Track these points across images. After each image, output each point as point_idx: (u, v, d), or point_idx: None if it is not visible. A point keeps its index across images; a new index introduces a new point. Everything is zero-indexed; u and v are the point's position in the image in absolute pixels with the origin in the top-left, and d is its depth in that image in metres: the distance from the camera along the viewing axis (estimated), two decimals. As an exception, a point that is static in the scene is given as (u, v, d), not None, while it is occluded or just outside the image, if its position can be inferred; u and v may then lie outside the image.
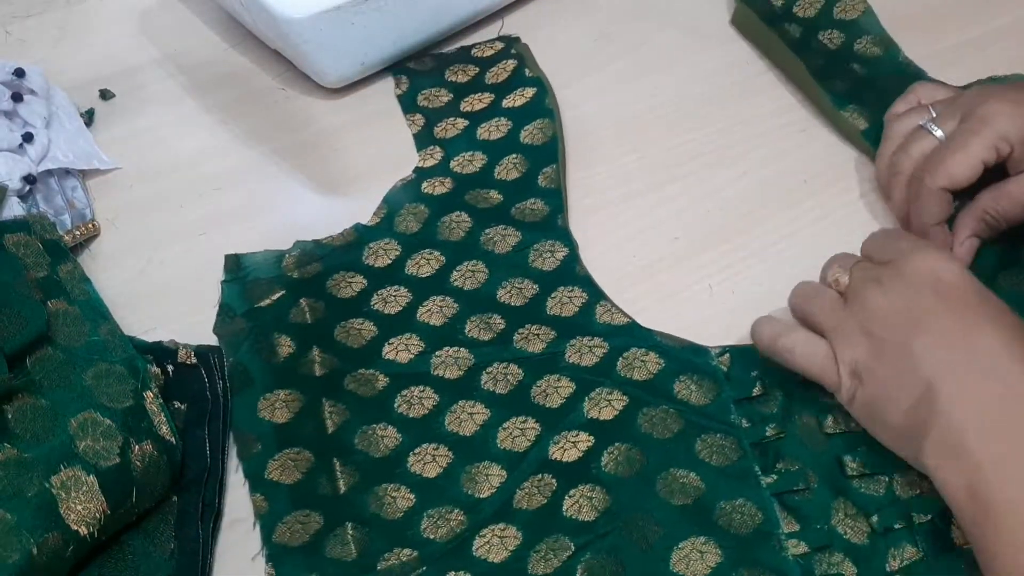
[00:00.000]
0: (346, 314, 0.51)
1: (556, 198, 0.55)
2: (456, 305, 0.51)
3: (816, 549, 0.41)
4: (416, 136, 0.60)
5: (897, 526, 0.42)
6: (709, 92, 0.62)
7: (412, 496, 0.44)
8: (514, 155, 0.57)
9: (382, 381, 0.48)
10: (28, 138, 0.57)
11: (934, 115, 0.51)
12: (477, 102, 0.61)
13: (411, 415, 0.47)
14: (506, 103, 0.60)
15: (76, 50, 0.68)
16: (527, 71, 0.62)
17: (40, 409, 0.42)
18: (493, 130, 0.59)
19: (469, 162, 0.57)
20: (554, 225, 0.54)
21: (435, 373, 0.48)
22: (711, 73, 0.63)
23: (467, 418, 0.46)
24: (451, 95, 0.62)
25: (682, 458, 0.44)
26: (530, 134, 0.58)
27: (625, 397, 0.46)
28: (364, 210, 0.56)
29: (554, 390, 0.47)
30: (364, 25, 0.59)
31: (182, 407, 0.47)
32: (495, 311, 0.50)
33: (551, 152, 0.57)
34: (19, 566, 0.38)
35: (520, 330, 0.49)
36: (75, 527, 0.40)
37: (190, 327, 0.51)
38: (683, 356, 0.48)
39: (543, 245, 0.53)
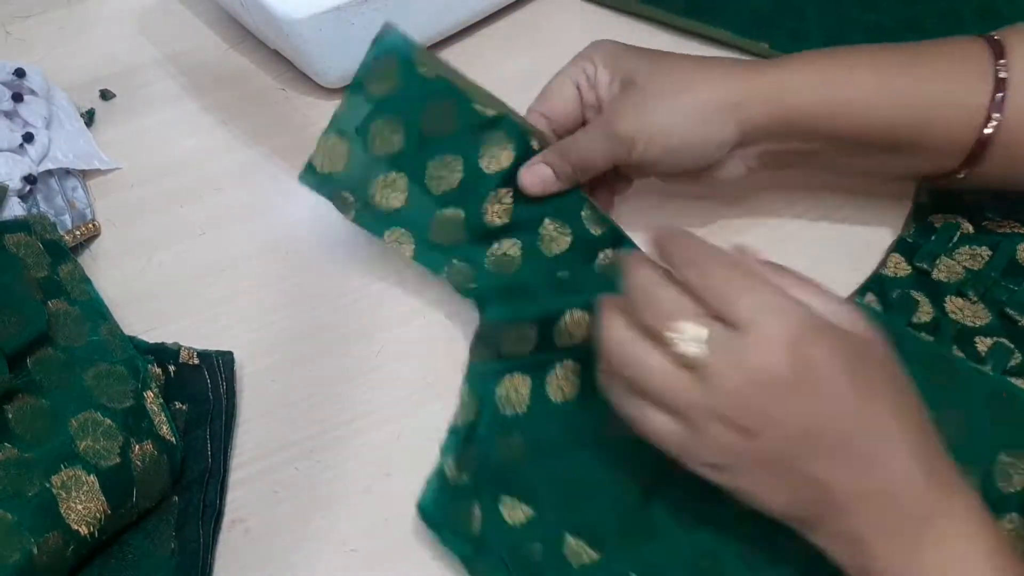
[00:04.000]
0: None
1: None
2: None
3: None
4: None
5: None
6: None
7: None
8: None
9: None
10: (28, 138, 0.57)
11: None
12: None
13: None
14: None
15: (76, 50, 0.68)
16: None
17: (40, 409, 0.42)
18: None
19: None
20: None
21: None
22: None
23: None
24: None
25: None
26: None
27: None
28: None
29: None
30: (364, 25, 0.59)
31: (183, 407, 0.47)
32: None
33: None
34: (20, 566, 0.38)
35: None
36: (75, 527, 0.40)
37: (190, 327, 0.52)
38: None
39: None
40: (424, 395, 0.49)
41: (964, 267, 0.50)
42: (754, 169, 0.49)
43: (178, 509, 0.44)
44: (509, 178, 0.48)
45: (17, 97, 0.58)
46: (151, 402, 0.45)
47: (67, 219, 0.56)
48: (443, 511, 0.43)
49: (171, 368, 0.48)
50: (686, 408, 0.36)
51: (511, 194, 0.48)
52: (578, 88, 0.49)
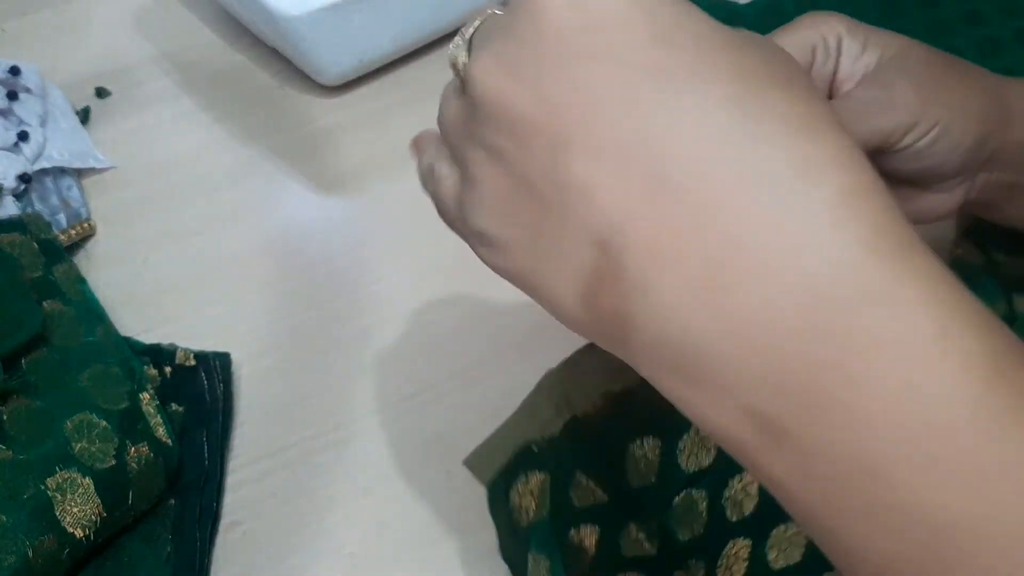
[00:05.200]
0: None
1: None
2: None
3: None
4: None
5: None
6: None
7: None
8: None
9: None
10: (23, 136, 0.56)
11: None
12: None
13: None
14: None
15: (72, 48, 0.67)
16: None
17: (35, 411, 0.42)
18: None
19: None
20: None
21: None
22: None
23: None
24: None
25: None
26: None
27: None
28: (363, 209, 0.56)
29: None
30: (362, 22, 0.59)
31: (180, 409, 0.47)
32: None
33: None
34: (15, 569, 0.38)
35: None
36: (71, 529, 0.40)
37: (186, 328, 0.51)
38: None
39: None
40: (424, 397, 0.49)
41: None
42: (968, 202, 0.41)
43: (175, 512, 0.44)
44: None
45: (12, 95, 0.58)
46: (147, 404, 0.44)
47: (62, 218, 0.55)
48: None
49: (167, 369, 0.48)
50: (447, 129, 0.27)
51: None
52: (812, 55, 0.38)
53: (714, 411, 0.23)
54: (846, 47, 0.39)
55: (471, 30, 0.27)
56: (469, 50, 0.26)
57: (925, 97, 0.37)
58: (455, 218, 0.28)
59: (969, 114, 0.38)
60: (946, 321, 0.21)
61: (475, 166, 0.25)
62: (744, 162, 0.22)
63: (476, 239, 0.27)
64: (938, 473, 0.21)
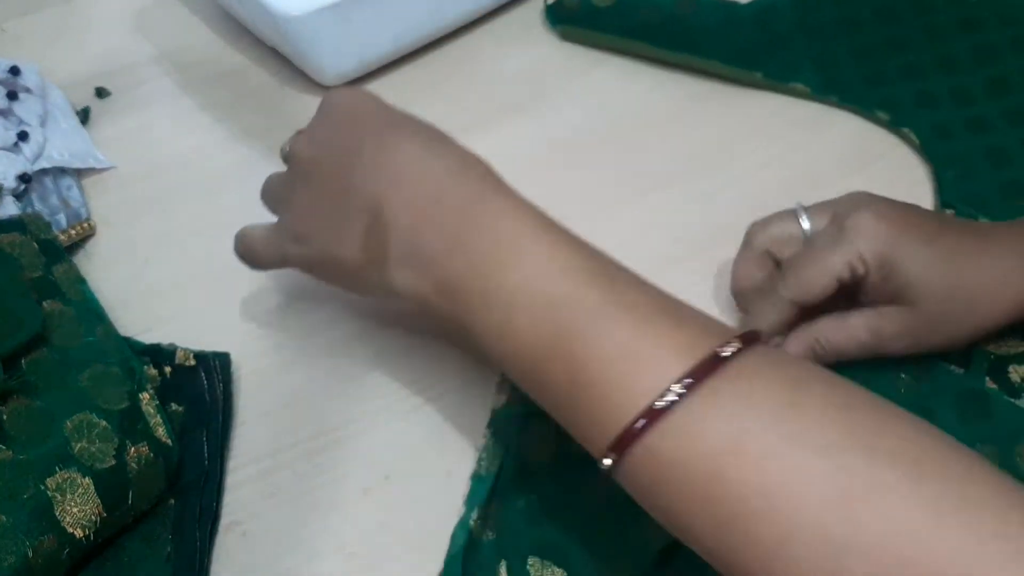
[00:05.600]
0: None
1: None
2: None
3: None
4: None
5: None
6: (710, 91, 0.61)
7: None
8: None
9: None
10: (23, 136, 0.57)
11: (805, 206, 0.47)
12: None
13: None
14: None
15: (72, 48, 0.67)
16: None
17: (35, 411, 0.42)
18: None
19: None
20: None
21: None
22: (712, 71, 0.62)
23: None
24: None
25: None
26: None
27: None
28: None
29: None
30: (362, 22, 0.59)
31: (180, 409, 0.47)
32: None
33: None
34: (15, 569, 0.38)
35: None
36: (71, 530, 0.40)
37: (186, 328, 0.51)
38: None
39: None
40: (423, 397, 0.49)
41: None
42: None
43: (175, 512, 0.44)
44: None
45: (12, 95, 0.58)
46: (147, 404, 0.44)
47: (62, 218, 0.55)
48: (468, 570, 0.42)
49: (167, 369, 0.48)
50: (277, 195, 0.48)
51: None
52: (838, 282, 0.44)
53: (418, 285, 0.40)
54: (871, 279, 0.44)
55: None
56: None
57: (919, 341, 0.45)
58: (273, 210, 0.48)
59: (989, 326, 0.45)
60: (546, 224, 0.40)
61: (291, 190, 0.46)
62: (427, 160, 0.41)
63: (290, 239, 0.45)
64: (545, 268, 0.37)
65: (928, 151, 0.56)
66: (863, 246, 0.43)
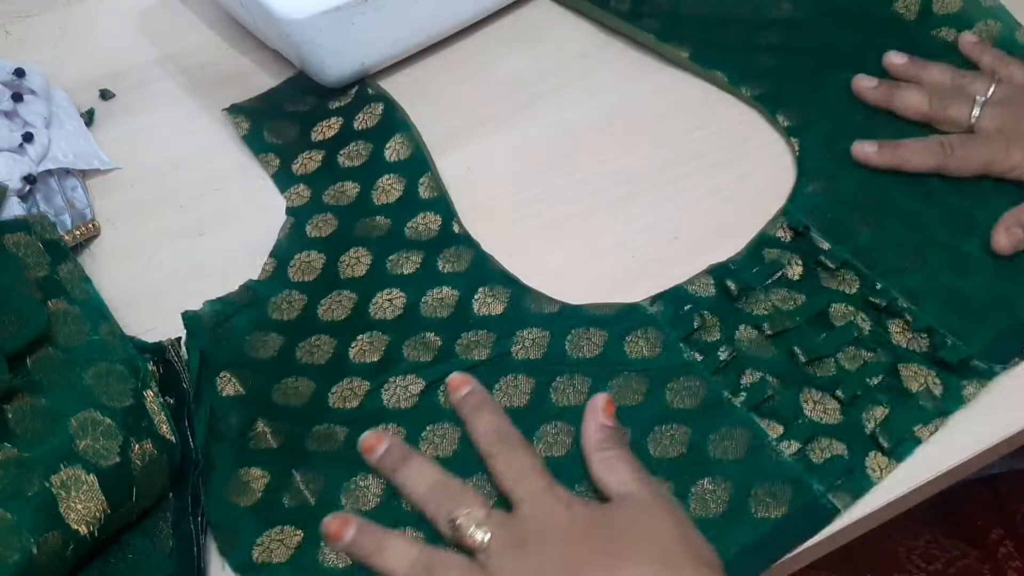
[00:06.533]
0: (276, 375, 0.48)
1: (443, 205, 0.55)
2: (385, 336, 0.49)
3: (805, 442, 0.45)
4: (275, 176, 0.58)
5: (858, 392, 0.46)
6: (711, 91, 0.62)
7: (421, 535, 0.42)
8: (386, 176, 0.57)
9: (341, 433, 0.46)
10: (28, 138, 0.57)
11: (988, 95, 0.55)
12: (327, 129, 0.60)
13: None
14: (357, 124, 0.59)
15: (76, 50, 0.68)
16: (369, 89, 0.61)
17: (40, 409, 0.42)
18: (354, 155, 0.58)
19: (342, 193, 0.56)
20: (451, 233, 0.53)
21: (391, 407, 0.47)
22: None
23: (440, 442, 0.45)
24: (297, 126, 0.60)
25: (659, 413, 0.46)
26: (393, 151, 0.57)
27: (587, 378, 0.47)
28: (364, 210, 0.56)
29: (515, 389, 0.47)
30: (364, 25, 0.59)
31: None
32: (426, 329, 0.49)
33: (421, 162, 0.57)
34: (20, 565, 0.38)
35: (458, 340, 0.48)
36: (75, 526, 0.40)
37: (190, 327, 0.51)
38: (620, 319, 0.49)
39: (448, 253, 0.52)
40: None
41: (774, 305, 0.49)
42: None
43: (174, 506, 0.44)
44: None
45: (17, 97, 0.58)
46: (151, 401, 0.45)
47: (67, 219, 0.56)
48: None
49: (161, 366, 0.48)
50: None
51: None
52: None
53: None
54: None
55: (474, 517, 0.39)
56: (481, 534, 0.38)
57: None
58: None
59: None
60: None
61: None
62: None
63: None
64: None
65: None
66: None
